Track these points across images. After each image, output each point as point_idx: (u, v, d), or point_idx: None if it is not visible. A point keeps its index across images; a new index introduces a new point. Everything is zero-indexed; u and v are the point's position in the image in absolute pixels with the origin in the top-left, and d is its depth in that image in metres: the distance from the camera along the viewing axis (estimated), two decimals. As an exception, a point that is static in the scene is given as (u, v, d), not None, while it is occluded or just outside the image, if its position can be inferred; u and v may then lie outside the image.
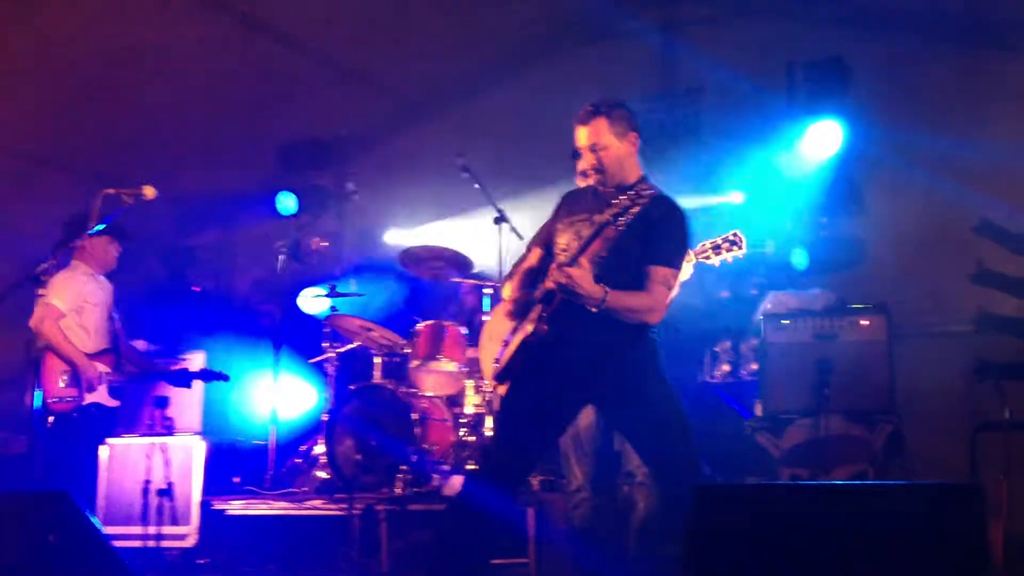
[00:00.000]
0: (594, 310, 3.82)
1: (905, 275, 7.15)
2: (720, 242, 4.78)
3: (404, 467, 6.10)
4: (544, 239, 4.26)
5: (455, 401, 6.60)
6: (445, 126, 8.48)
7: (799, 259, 7.10)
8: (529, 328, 3.96)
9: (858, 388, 5.81)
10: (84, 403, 5.99)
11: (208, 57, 7.37)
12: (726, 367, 7.00)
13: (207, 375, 6.45)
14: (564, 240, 4.07)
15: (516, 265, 4.33)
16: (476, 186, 6.54)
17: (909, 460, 6.19)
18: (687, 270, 4.78)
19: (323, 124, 8.15)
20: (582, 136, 4.07)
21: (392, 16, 7.86)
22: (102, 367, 6.07)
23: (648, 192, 3.89)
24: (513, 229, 6.51)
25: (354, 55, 8.20)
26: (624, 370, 3.97)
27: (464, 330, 6.59)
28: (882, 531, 2.82)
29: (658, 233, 3.92)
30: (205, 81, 7.52)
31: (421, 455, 6.20)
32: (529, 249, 4.31)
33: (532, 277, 4.18)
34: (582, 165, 4.12)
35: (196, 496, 6.35)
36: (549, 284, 3.90)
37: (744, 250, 4.79)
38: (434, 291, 7.29)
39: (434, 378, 6.54)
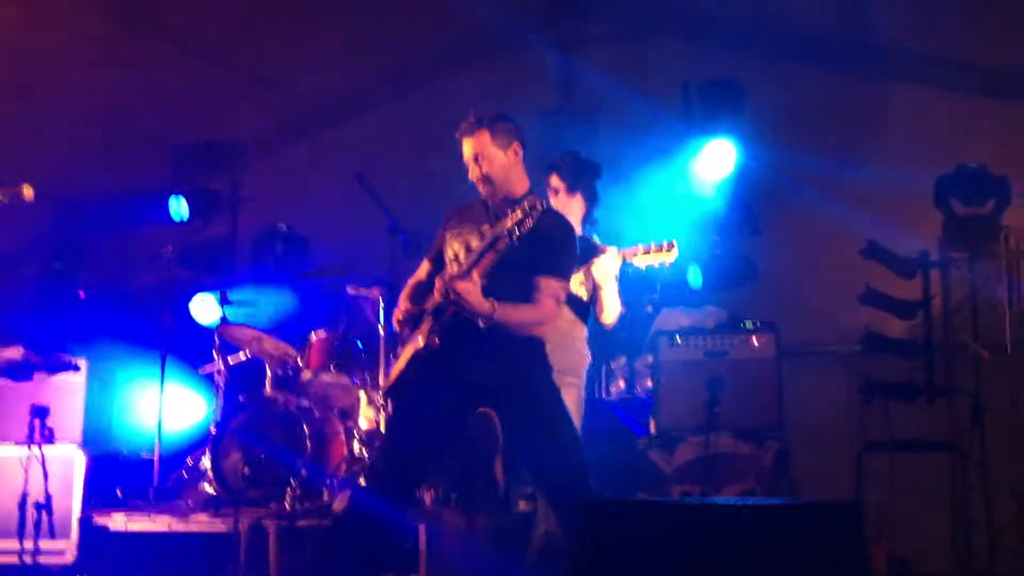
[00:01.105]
0: (482, 324, 3.79)
1: (795, 295, 7.31)
2: (652, 246, 4.81)
3: (294, 481, 5.99)
4: (434, 252, 4.25)
5: (348, 414, 6.50)
6: (344, 135, 8.40)
7: (694, 277, 7.18)
8: (420, 341, 3.92)
9: (747, 406, 5.90)
10: None
11: (100, 57, 7.18)
12: (621, 383, 7.04)
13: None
14: (452, 251, 4.06)
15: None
16: (370, 195, 6.46)
17: (796, 478, 6.31)
18: (613, 266, 4.80)
19: (219, 128, 7.99)
20: (466, 148, 4.10)
21: (294, 22, 7.77)
22: None
23: (540, 205, 3.89)
24: (407, 240, 6.45)
25: (254, 60, 8.08)
26: (515, 384, 3.95)
27: (359, 342, 6.50)
28: (765, 549, 2.85)
29: (547, 245, 3.93)
30: (96, 81, 7.31)
31: (311, 469, 6.09)
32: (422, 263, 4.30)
33: (422, 291, 4.15)
34: (470, 177, 4.12)
35: (76, 510, 6.14)
36: (438, 296, 3.87)
37: (673, 257, 4.82)
38: (329, 301, 7.17)
39: (326, 390, 6.43)
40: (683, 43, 8.08)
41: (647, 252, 4.84)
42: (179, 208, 7.74)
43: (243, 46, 7.82)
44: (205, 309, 6.95)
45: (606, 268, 4.82)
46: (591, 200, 5.04)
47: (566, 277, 4.04)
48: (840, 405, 7.13)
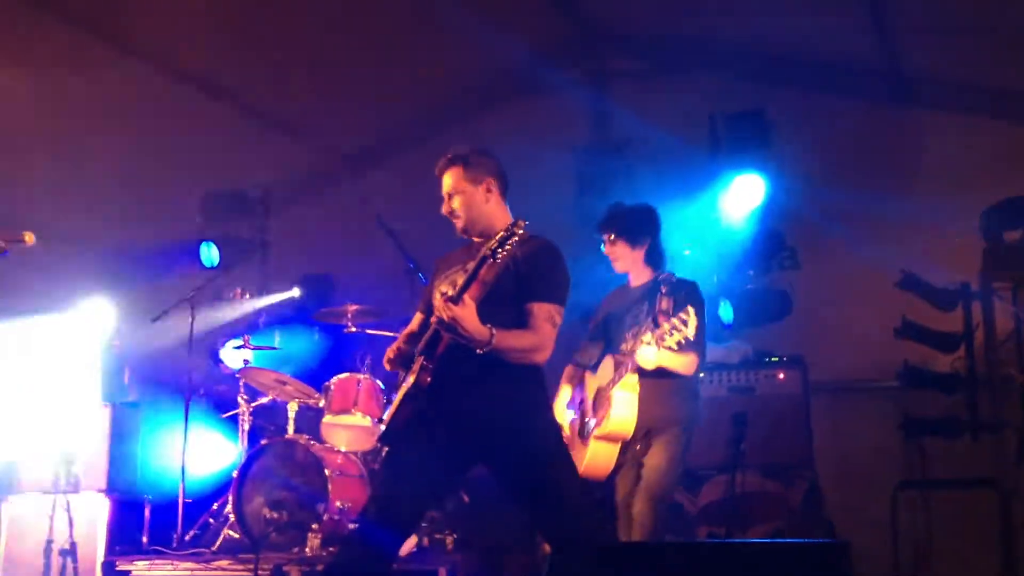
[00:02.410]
0: (480, 352, 3.69)
1: (830, 328, 7.14)
2: (666, 328, 4.60)
3: (315, 525, 5.94)
4: (424, 304, 4.20)
5: (371, 456, 6.45)
6: (372, 180, 8.44)
7: (725, 312, 7.05)
8: (410, 380, 3.85)
9: (774, 443, 5.75)
10: None
11: (127, 105, 7.29)
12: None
13: None
14: (440, 293, 3.97)
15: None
16: (389, 235, 6.47)
17: (830, 517, 6.12)
18: (651, 356, 4.65)
19: (246, 175, 8.07)
20: (442, 185, 4.08)
21: (321, 69, 7.82)
22: None
23: (520, 227, 3.77)
24: (426, 282, 6.41)
25: (280, 106, 8.16)
26: (513, 422, 3.82)
27: (380, 383, 6.45)
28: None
29: (535, 270, 3.85)
30: (124, 129, 7.42)
31: (334, 512, 6.04)
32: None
33: (414, 340, 4.07)
34: (442, 211, 4.10)
35: (100, 556, 6.15)
36: (432, 324, 3.80)
37: (693, 325, 4.57)
38: (352, 344, 7.15)
39: (348, 433, 6.38)
40: (710, 76, 8.01)
41: (671, 333, 4.59)
42: (210, 255, 7.81)
43: (270, 94, 7.90)
44: (232, 354, 6.96)
45: (647, 358, 4.71)
46: (654, 250, 5.08)
47: (559, 301, 3.90)
48: (879, 442, 6.94)
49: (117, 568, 6.06)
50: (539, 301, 3.83)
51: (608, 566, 3.04)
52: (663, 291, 4.80)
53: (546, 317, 3.82)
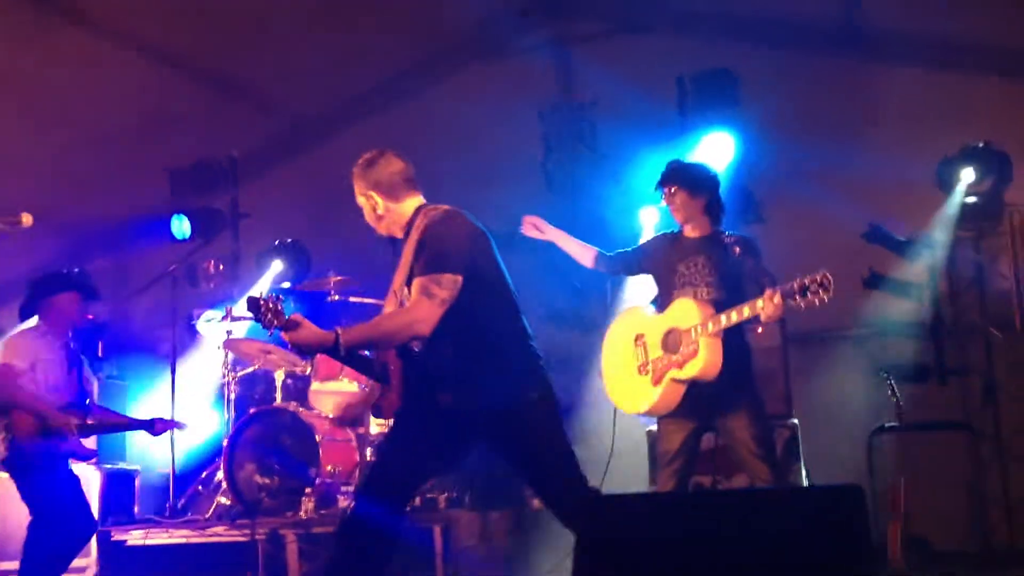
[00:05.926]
0: (342, 352, 3.74)
1: (800, 281, 7.26)
2: (808, 283, 4.61)
3: (308, 490, 6.03)
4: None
5: (359, 421, 6.52)
6: (343, 145, 8.41)
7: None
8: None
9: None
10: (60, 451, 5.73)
11: (88, 80, 7.21)
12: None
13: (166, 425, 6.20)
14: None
15: None
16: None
17: (808, 465, 6.30)
18: (772, 310, 4.67)
19: (215, 146, 8.00)
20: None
21: (284, 34, 7.77)
22: (74, 419, 5.77)
23: (420, 217, 3.91)
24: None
25: (244, 75, 8.11)
26: (491, 401, 3.85)
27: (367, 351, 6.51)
28: (768, 536, 2.84)
29: (420, 249, 3.86)
30: (87, 104, 7.34)
31: (325, 476, 6.13)
32: None
33: None
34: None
35: (94, 527, 6.18)
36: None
37: (831, 293, 4.61)
38: (334, 311, 7.19)
39: (335, 399, 6.44)
40: (676, 36, 8.09)
41: (804, 292, 4.60)
42: (181, 227, 7.77)
43: (234, 63, 7.84)
44: (211, 325, 6.97)
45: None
46: (715, 203, 5.00)
47: (436, 269, 3.79)
48: (851, 389, 7.13)
49: (112, 538, 6.10)
50: (416, 278, 3.82)
51: (613, 518, 3.11)
52: (737, 251, 4.85)
53: (419, 291, 3.79)
